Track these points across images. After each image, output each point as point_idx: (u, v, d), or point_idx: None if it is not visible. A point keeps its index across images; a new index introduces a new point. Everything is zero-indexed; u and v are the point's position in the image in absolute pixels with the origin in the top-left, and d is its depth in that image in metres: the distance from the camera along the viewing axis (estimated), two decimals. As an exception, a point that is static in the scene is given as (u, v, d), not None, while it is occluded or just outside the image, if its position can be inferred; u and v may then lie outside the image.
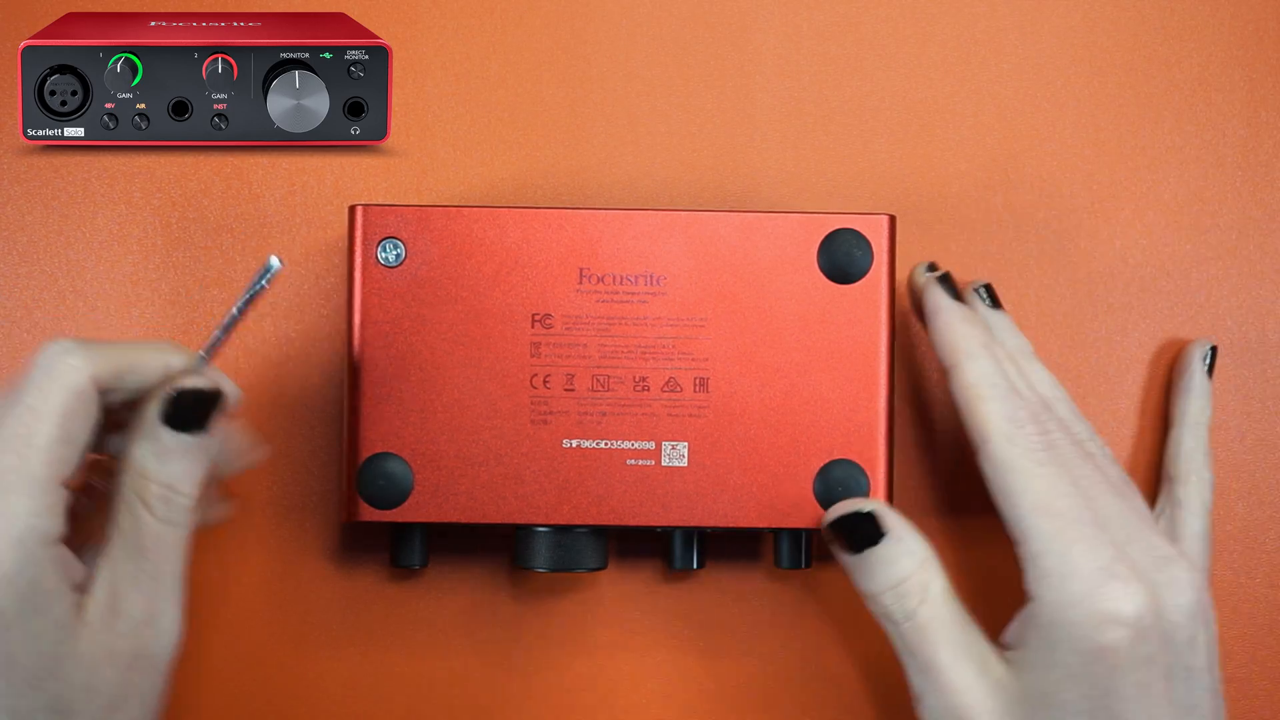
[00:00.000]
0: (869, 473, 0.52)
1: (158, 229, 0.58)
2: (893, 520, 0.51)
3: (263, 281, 0.48)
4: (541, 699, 0.57)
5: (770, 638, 0.57)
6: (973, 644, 0.49)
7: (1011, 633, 0.50)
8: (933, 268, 0.54)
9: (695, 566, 0.55)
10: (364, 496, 0.52)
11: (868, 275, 0.53)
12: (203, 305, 0.57)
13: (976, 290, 0.55)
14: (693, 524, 0.52)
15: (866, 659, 0.57)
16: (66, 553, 0.44)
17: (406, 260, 0.52)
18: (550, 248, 0.53)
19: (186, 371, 0.47)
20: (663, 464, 0.52)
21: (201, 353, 0.48)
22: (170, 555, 0.46)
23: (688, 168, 0.58)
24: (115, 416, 0.47)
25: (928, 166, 0.58)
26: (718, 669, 0.57)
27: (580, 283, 0.53)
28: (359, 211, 0.52)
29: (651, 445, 0.52)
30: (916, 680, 0.50)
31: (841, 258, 0.53)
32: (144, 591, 0.45)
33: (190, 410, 0.46)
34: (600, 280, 0.53)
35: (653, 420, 0.52)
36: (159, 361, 0.46)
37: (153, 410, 0.46)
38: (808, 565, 0.55)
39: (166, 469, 0.46)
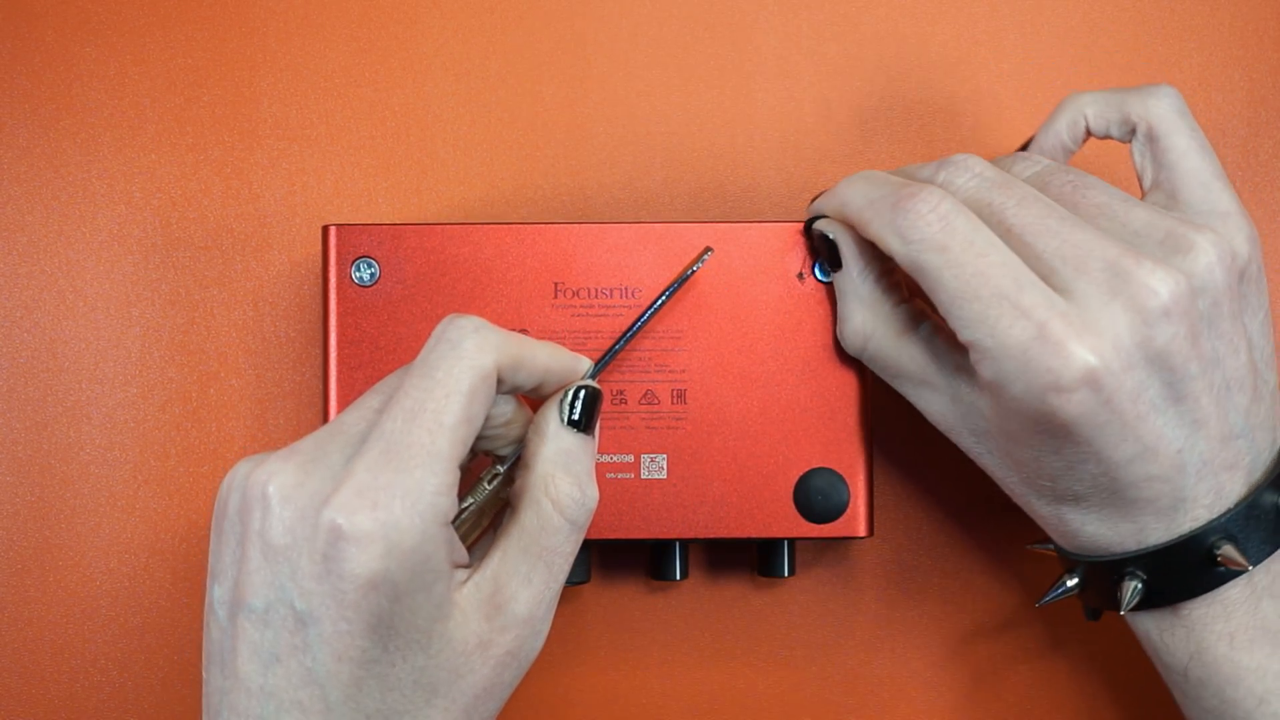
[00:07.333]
0: (848, 480, 0.52)
1: (158, 229, 0.58)
2: (845, 250, 0.51)
3: (695, 267, 0.51)
4: (525, 714, 0.57)
5: (754, 646, 0.57)
6: (946, 376, 0.49)
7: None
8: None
9: (678, 578, 0.55)
10: None
11: None
12: (203, 305, 0.58)
13: None
14: (673, 536, 0.52)
15: (848, 667, 0.57)
16: (454, 535, 0.43)
17: (381, 279, 0.52)
18: (524, 262, 0.52)
19: (581, 374, 0.47)
20: (642, 476, 0.52)
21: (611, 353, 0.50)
22: (565, 561, 0.45)
23: (687, 169, 0.58)
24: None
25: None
26: (703, 678, 0.57)
27: (555, 297, 0.52)
28: (332, 231, 0.52)
29: (630, 458, 0.52)
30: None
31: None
32: (533, 592, 0.45)
33: (589, 412, 0.46)
34: (575, 294, 0.52)
35: (631, 433, 0.52)
36: (555, 362, 0.46)
37: (555, 412, 0.46)
38: (790, 574, 0.55)
39: (576, 471, 0.46)
